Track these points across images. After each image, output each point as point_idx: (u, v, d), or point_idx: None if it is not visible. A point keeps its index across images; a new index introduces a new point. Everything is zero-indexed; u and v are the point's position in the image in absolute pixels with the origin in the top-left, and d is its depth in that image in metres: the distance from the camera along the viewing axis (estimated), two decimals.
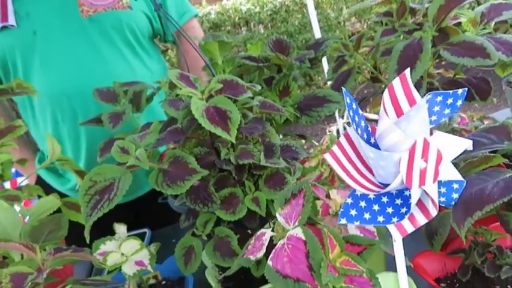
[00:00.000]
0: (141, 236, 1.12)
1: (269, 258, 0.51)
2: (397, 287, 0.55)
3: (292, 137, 0.97)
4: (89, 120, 0.96)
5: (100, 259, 0.66)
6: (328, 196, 0.58)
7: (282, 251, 0.52)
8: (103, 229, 0.70)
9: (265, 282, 0.68)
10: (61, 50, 1.12)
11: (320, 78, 3.50)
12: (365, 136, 0.39)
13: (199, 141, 0.67)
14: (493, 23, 0.87)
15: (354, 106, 0.39)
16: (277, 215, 0.55)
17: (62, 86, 1.13)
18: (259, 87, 0.70)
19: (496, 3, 0.83)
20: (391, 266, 0.55)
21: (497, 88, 0.96)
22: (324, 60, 1.10)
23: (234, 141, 0.58)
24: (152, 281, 0.80)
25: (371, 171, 0.41)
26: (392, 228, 0.42)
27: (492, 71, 0.86)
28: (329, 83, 1.03)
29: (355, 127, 0.38)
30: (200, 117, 0.56)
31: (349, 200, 0.42)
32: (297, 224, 0.53)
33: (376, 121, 0.45)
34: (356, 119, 0.39)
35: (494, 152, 0.56)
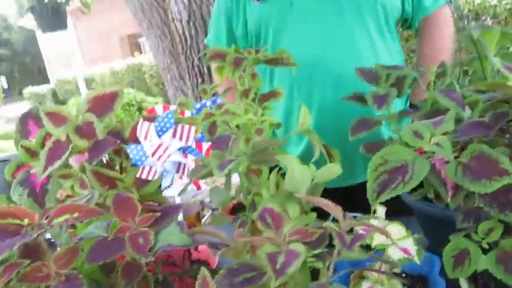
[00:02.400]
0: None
1: None
2: None
3: None
4: (351, 97, 0.98)
5: (366, 236, 0.67)
6: None
7: None
8: None
9: None
10: (313, 22, 1.15)
11: None
12: None
13: (502, 141, 0.61)
14: None
15: None
16: None
17: (306, 57, 1.16)
18: None
19: None
20: None
21: None
22: None
23: None
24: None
25: None
26: None
27: None
28: None
29: None
30: None
31: None
32: None
33: None
34: None
35: None
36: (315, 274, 0.61)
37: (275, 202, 0.65)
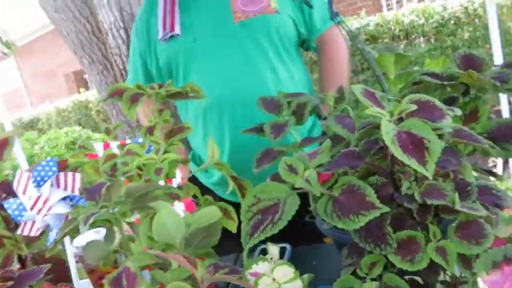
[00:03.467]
0: (280, 251, 1.07)
1: None
2: None
3: (478, 173, 0.80)
4: (251, 129, 0.94)
5: (252, 280, 0.62)
6: None
7: None
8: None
9: None
10: (216, 57, 1.17)
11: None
12: None
13: (375, 169, 0.58)
14: None
15: None
16: (479, 280, 0.43)
17: (214, 91, 1.16)
18: (459, 112, 0.57)
19: None
20: None
21: None
22: None
23: (431, 177, 0.47)
24: None
25: None
26: None
27: None
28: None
29: None
30: (391, 143, 0.47)
31: None
32: None
33: None
34: None
35: None
36: None
37: (143, 258, 0.59)
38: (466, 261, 0.52)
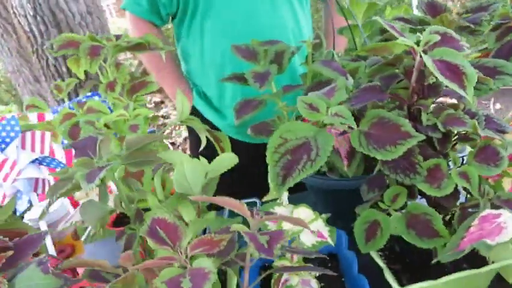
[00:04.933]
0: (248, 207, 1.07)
1: None
2: None
3: None
4: (230, 77, 0.90)
5: (271, 225, 0.60)
6: None
7: None
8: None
9: (440, 267, 0.59)
10: None
11: None
12: None
13: (390, 105, 0.59)
14: None
15: None
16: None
17: (232, 29, 1.12)
18: (467, 45, 0.59)
19: None
20: None
21: None
22: None
23: (471, 101, 0.48)
24: None
25: None
26: None
27: None
28: None
29: None
30: (435, 70, 0.47)
31: None
32: None
33: None
34: None
35: None
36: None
37: (166, 209, 0.54)
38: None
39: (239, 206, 0.42)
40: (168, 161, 0.57)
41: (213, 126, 1.27)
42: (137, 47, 0.98)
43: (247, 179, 1.11)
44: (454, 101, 0.74)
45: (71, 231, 0.85)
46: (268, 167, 0.54)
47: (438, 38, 0.53)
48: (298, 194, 0.97)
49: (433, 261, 0.51)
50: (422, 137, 0.51)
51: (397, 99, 0.57)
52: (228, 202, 0.43)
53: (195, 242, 0.41)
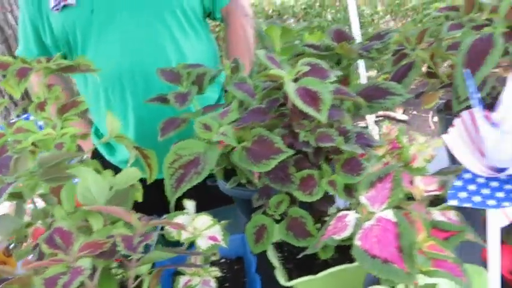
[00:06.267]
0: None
1: (357, 239, 0.52)
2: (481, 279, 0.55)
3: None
4: (154, 98, 0.97)
5: (174, 233, 0.68)
6: (411, 183, 0.59)
7: (370, 231, 0.52)
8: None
9: (326, 265, 0.69)
10: (115, 28, 1.14)
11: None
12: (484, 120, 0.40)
13: (277, 124, 0.68)
14: None
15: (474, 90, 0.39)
16: (361, 197, 0.56)
17: (113, 63, 1.15)
18: (339, 73, 0.70)
19: None
20: None
21: None
22: None
23: (324, 121, 0.58)
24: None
25: (483, 155, 0.42)
26: (497, 212, 0.43)
27: None
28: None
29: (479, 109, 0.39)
30: (294, 97, 0.57)
31: (458, 183, 0.43)
32: (385, 206, 0.54)
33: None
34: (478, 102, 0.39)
35: None
36: None
37: (72, 220, 0.60)
38: (349, 191, 0.66)
39: (123, 213, 0.50)
40: (76, 176, 0.63)
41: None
42: (67, 69, 1.05)
43: None
44: (395, 114, 0.85)
45: (1, 247, 0.89)
46: (164, 179, 0.62)
47: (308, 68, 0.63)
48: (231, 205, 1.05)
49: (300, 255, 0.61)
50: (291, 152, 0.61)
51: (279, 119, 0.67)
52: (115, 211, 0.51)
53: (82, 245, 0.48)
